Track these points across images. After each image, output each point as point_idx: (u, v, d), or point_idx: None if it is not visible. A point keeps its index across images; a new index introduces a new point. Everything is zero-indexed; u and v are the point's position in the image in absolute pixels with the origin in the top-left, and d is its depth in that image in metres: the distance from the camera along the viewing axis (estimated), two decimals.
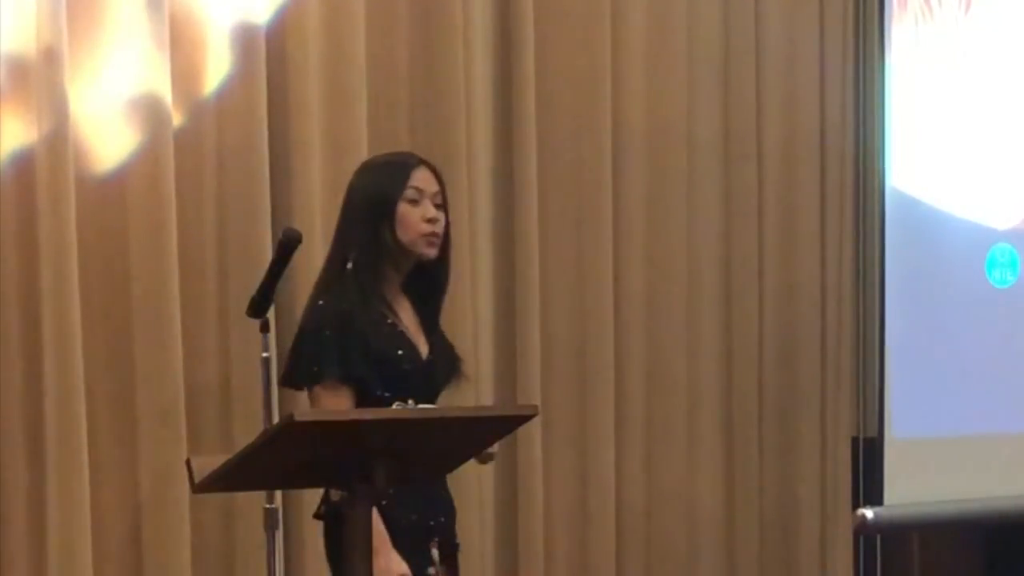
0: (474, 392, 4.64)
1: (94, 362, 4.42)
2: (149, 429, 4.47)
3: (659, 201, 5.48)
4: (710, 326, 5.60)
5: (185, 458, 3.92)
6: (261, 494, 3.83)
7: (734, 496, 5.66)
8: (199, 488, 3.26)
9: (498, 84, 5.16)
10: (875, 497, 5.55)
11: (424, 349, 3.89)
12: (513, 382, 5.15)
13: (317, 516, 3.81)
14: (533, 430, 5.07)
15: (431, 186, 3.88)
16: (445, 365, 3.96)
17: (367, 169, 4.00)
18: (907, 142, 5.57)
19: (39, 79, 4.30)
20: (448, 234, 3.92)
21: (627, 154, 5.40)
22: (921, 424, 5.62)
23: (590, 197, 5.32)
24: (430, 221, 3.85)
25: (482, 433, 3.40)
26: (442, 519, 3.89)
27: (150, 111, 4.46)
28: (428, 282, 3.93)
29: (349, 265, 3.83)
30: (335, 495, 3.63)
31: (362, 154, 4.72)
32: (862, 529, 5.57)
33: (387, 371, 3.78)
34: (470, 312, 4.94)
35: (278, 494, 3.90)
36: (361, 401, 3.76)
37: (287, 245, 3.73)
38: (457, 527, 3.96)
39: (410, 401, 3.70)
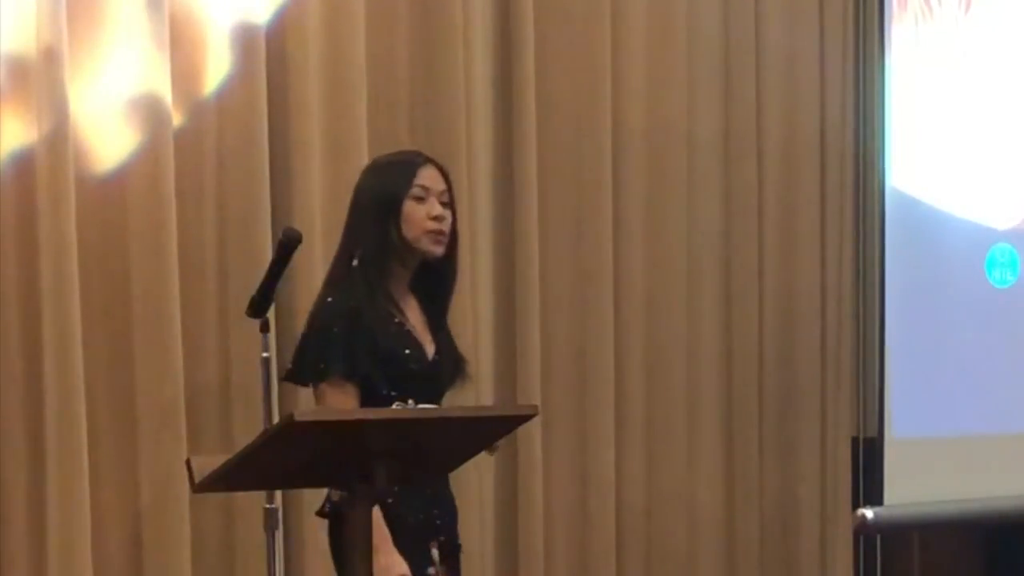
0: (474, 392, 4.63)
1: (94, 362, 4.42)
2: (149, 429, 4.46)
3: (659, 201, 5.48)
4: (710, 326, 5.60)
5: (185, 458, 3.92)
6: (261, 494, 3.83)
7: (734, 496, 5.66)
8: (199, 488, 3.26)
9: (498, 84, 5.16)
10: (875, 497, 5.55)
11: (430, 349, 3.90)
12: (513, 382, 5.15)
13: (321, 514, 3.80)
14: (533, 430, 5.07)
15: (438, 184, 3.89)
16: (450, 365, 3.96)
17: (374, 168, 4.01)
18: (907, 142, 5.57)
19: (39, 79, 4.29)
20: (456, 233, 3.92)
21: (627, 154, 5.40)
22: (921, 424, 5.62)
23: (590, 197, 5.32)
24: (436, 219, 3.85)
25: (482, 433, 3.40)
26: (446, 519, 3.90)
27: (150, 111, 4.46)
28: (435, 281, 3.94)
29: (355, 262, 3.83)
30: (335, 495, 3.63)
31: (362, 154, 4.73)
32: (862, 529, 5.57)
33: (393, 370, 3.78)
34: (470, 312, 4.94)
35: (278, 494, 3.91)
36: (366, 399, 3.76)
37: (287, 245, 3.73)
38: (459, 527, 3.97)
39: (410, 401, 3.71)
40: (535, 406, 3.60)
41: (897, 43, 5.56)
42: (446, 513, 3.91)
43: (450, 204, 3.91)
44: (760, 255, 5.69)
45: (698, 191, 5.56)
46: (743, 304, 5.66)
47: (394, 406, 3.70)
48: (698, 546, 5.57)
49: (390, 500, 3.63)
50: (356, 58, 4.81)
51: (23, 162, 4.32)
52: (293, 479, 3.45)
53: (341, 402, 3.73)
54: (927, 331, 5.61)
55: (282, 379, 3.95)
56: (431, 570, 3.80)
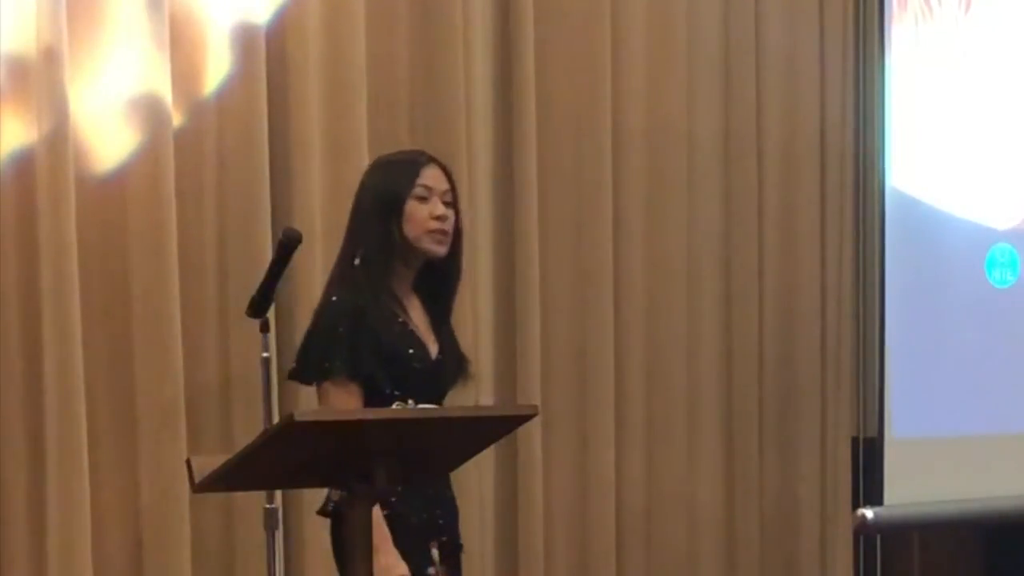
0: (474, 392, 4.64)
1: (94, 362, 4.42)
2: (149, 429, 4.46)
3: (659, 201, 5.48)
4: (710, 326, 5.60)
5: (185, 458, 3.91)
6: (261, 494, 3.83)
7: (734, 496, 5.66)
8: (199, 488, 3.26)
9: (498, 84, 5.16)
10: (875, 497, 5.55)
11: (434, 348, 3.90)
12: (513, 382, 5.15)
13: (324, 513, 3.80)
14: (533, 430, 5.07)
15: (441, 184, 3.89)
16: (453, 365, 3.97)
17: (378, 167, 4.01)
18: (907, 142, 5.57)
19: (39, 79, 4.29)
20: (459, 232, 3.92)
21: (627, 154, 5.40)
22: (921, 424, 5.62)
23: (590, 197, 5.32)
24: (438, 219, 3.85)
25: (482, 433, 3.40)
26: (448, 519, 3.90)
27: (150, 111, 4.46)
28: (438, 281, 3.94)
29: (356, 261, 3.83)
30: (335, 494, 3.63)
31: (362, 154, 4.73)
32: (862, 529, 5.57)
33: (397, 370, 3.79)
34: (470, 312, 4.94)
35: (278, 494, 3.91)
36: (369, 399, 3.77)
37: (287, 245, 3.74)
38: (459, 527, 3.97)
39: (410, 401, 3.71)
40: (535, 406, 3.61)
41: (897, 43, 5.56)
42: (448, 513, 3.91)
43: (453, 204, 3.91)
44: (760, 255, 5.69)
45: (698, 191, 5.56)
46: (743, 304, 5.66)
47: (394, 406, 3.70)
48: (698, 546, 5.57)
49: (393, 500, 3.64)
50: (356, 58, 4.81)
51: (23, 162, 4.32)
52: (293, 479, 3.45)
53: (344, 401, 3.74)
54: (927, 331, 5.61)
55: (287, 378, 3.95)
56: (431, 570, 3.80)
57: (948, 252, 5.65)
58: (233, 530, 4.60)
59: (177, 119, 4.53)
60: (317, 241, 4.61)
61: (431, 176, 3.89)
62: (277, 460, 3.12)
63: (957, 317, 5.65)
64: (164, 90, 4.47)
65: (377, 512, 3.45)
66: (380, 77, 4.89)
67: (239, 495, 4.43)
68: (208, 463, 3.20)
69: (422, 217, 3.84)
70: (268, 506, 3.79)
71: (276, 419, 3.73)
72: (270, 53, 4.66)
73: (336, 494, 3.59)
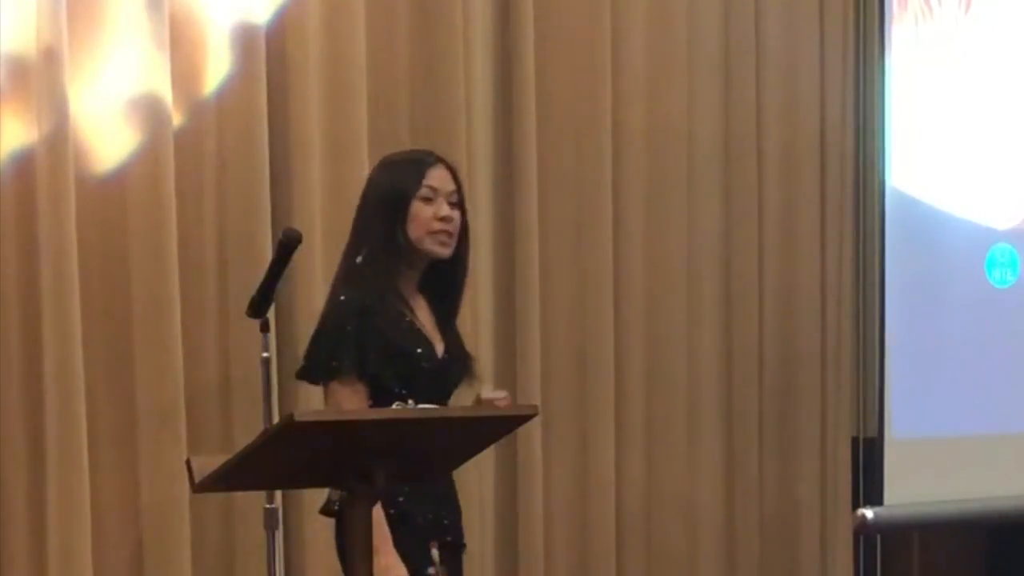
0: (474, 392, 4.64)
1: (94, 362, 4.41)
2: (149, 429, 4.46)
3: (659, 201, 5.48)
4: (710, 326, 5.60)
5: (185, 458, 3.91)
6: (261, 494, 3.83)
7: (734, 496, 5.66)
8: (199, 488, 3.26)
9: (498, 84, 5.16)
10: (875, 497, 5.55)
11: (440, 347, 3.91)
12: (513, 382, 5.15)
13: (328, 512, 3.79)
14: (533, 430, 5.07)
15: (446, 185, 3.89)
16: (459, 364, 3.97)
17: (384, 166, 4.01)
18: (907, 142, 5.57)
19: (39, 79, 4.29)
20: (466, 233, 3.92)
21: (627, 154, 5.40)
22: (921, 424, 5.61)
23: (590, 197, 5.32)
24: (443, 220, 3.85)
25: (482, 433, 3.40)
26: (453, 519, 3.90)
27: (150, 111, 4.46)
28: (444, 281, 3.94)
29: (359, 259, 3.83)
30: (335, 494, 3.63)
31: (362, 154, 4.73)
32: (862, 529, 5.57)
33: (404, 368, 3.79)
34: (470, 312, 4.93)
35: (278, 494, 3.91)
36: (376, 398, 3.77)
37: (287, 245, 3.74)
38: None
39: (410, 401, 3.71)
40: (535, 406, 3.61)
41: (897, 43, 5.56)
42: (452, 513, 3.91)
43: (459, 204, 3.91)
44: (760, 255, 5.69)
45: (698, 191, 5.56)
46: (743, 304, 5.66)
47: (394, 406, 3.70)
48: (698, 546, 5.57)
49: (400, 499, 3.64)
50: (356, 58, 4.81)
51: (23, 162, 4.32)
52: (293, 479, 3.45)
53: (351, 400, 3.74)
54: (927, 331, 5.61)
55: (296, 377, 3.95)
56: (431, 570, 3.80)
57: (948, 252, 5.65)
58: (233, 530, 4.60)
59: (177, 119, 4.53)
60: (317, 241, 4.61)
61: (437, 177, 3.89)
62: (277, 460, 3.12)
63: (957, 317, 5.65)
64: (164, 90, 4.47)
65: (378, 512, 3.46)
66: (380, 77, 4.89)
67: (239, 495, 4.43)
68: (208, 463, 3.20)
69: (426, 218, 3.84)
70: (268, 506, 3.79)
71: (276, 419, 3.73)
72: (270, 53, 4.66)
73: (336, 494, 3.59)
